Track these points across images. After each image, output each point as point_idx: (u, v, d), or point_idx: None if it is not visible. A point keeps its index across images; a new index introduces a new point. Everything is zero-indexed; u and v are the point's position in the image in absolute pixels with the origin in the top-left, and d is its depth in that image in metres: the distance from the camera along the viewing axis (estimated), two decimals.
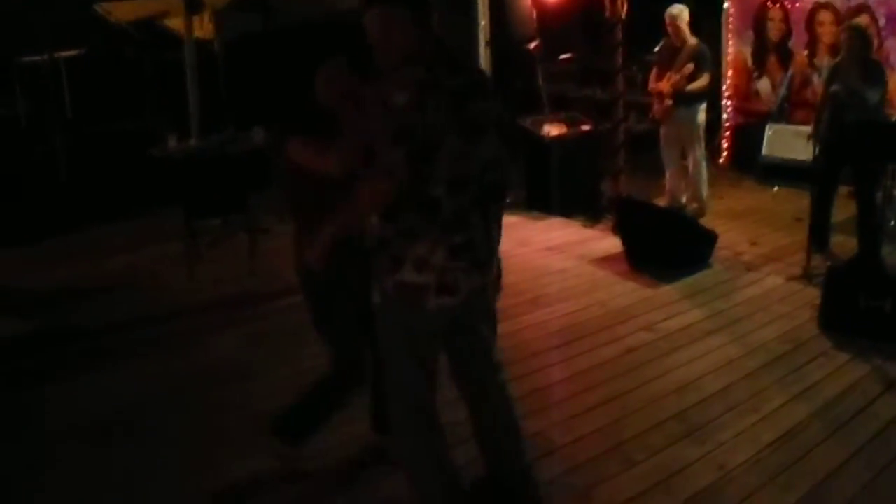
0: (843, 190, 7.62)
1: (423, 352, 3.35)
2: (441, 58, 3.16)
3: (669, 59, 8.60)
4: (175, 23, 10.93)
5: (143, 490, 4.16)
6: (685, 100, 8.46)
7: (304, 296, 3.98)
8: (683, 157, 8.85)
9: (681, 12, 8.49)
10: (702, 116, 8.63)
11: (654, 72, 8.83)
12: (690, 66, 8.33)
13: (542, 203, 9.31)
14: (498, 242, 3.40)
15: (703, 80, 8.42)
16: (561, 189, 9.17)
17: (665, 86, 8.51)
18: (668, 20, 8.52)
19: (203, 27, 10.69)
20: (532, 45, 9.67)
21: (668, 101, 8.51)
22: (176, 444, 4.57)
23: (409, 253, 3.11)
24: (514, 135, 9.10)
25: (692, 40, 8.53)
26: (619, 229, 7.82)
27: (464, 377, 3.60)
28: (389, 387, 3.44)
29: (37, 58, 12.13)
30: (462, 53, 3.34)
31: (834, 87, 6.97)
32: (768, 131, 9.93)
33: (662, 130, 8.87)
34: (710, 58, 8.57)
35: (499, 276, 3.44)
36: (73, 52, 13.06)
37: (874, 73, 6.97)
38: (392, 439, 3.61)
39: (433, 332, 3.34)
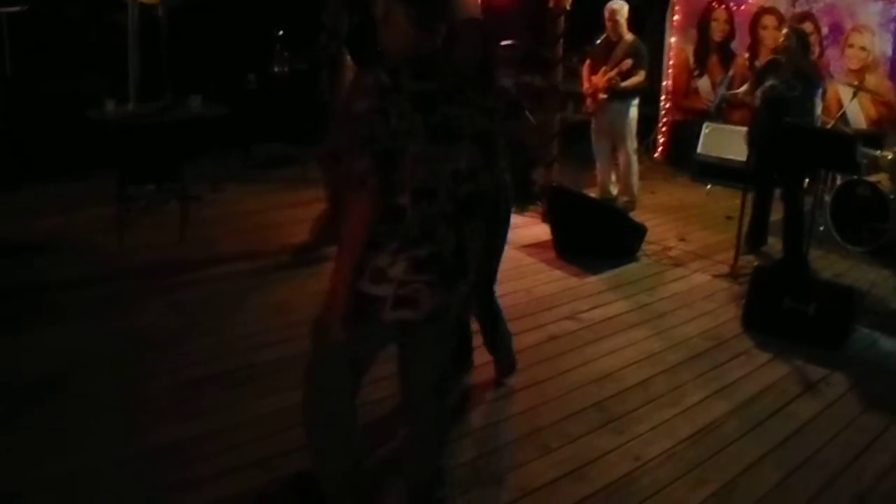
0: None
1: (361, 360, 3.24)
2: (421, 62, 2.95)
3: (605, 54, 8.57)
4: None
5: (63, 451, 4.00)
6: (619, 95, 8.44)
7: None
8: (614, 150, 8.82)
9: (621, 7, 8.45)
10: (634, 112, 8.61)
11: (587, 64, 8.79)
12: (629, 62, 8.30)
13: None
14: (478, 260, 3.18)
15: (638, 77, 8.39)
16: None
17: (600, 80, 8.47)
18: (607, 14, 8.47)
19: None
20: None
21: (602, 96, 8.47)
22: (99, 409, 4.39)
23: (369, 263, 2.92)
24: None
25: (629, 36, 8.49)
26: (548, 217, 7.75)
27: (403, 387, 3.40)
28: (311, 369, 3.29)
29: None
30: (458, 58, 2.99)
31: (771, 82, 6.96)
32: (705, 129, 9.98)
33: (594, 123, 8.84)
34: (646, 55, 8.52)
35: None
36: (15, 9, 12.71)
37: (811, 75, 6.98)
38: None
39: (381, 343, 3.22)
